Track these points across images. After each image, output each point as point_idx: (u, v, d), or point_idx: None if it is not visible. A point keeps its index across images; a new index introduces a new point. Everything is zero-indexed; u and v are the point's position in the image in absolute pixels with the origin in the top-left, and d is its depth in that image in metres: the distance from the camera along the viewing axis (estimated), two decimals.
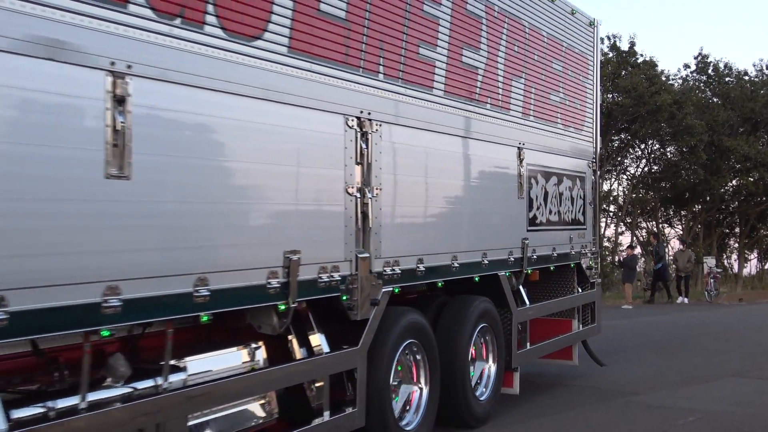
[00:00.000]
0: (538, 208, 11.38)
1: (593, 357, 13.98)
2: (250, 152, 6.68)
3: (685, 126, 40.87)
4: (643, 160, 46.63)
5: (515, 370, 10.86)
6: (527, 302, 11.37)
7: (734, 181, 45.86)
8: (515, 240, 10.79)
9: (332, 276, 7.52)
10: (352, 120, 7.82)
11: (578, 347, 13.55)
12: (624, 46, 44.10)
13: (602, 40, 45.83)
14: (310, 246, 7.28)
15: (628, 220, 47.29)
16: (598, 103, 13.59)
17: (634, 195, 45.65)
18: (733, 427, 10.12)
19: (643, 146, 45.59)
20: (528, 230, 11.11)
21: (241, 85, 6.55)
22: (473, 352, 9.99)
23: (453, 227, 9.47)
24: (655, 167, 46.11)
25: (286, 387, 7.30)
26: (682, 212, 48.52)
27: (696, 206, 47.02)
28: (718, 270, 37.08)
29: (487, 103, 10.16)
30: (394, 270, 8.36)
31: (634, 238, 46.74)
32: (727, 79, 45.97)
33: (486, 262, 10.01)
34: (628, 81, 41.60)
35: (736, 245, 49.64)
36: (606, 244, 43.10)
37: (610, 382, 13.12)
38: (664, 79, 43.86)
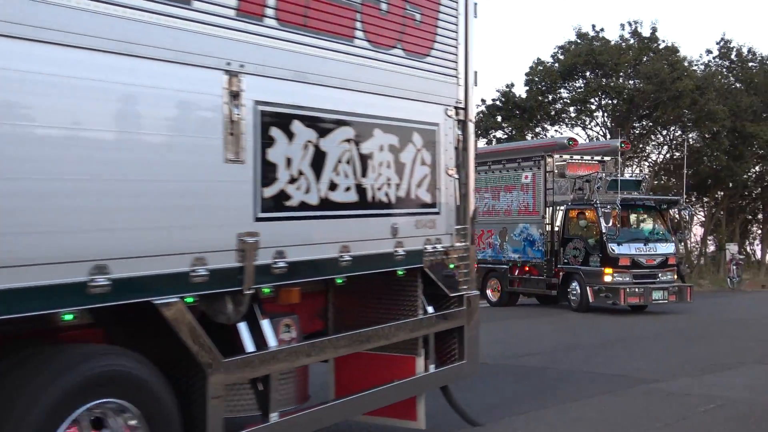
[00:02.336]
0: (292, 181, 5.56)
1: (461, 413, 7.92)
2: None
3: (707, 112, 35.64)
4: (665, 147, 40.21)
5: None
6: (272, 342, 5.57)
7: (757, 167, 40.01)
8: (221, 236, 5.03)
9: None
10: None
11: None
12: (645, 32, 38.37)
13: (622, 26, 39.81)
14: None
15: None
16: (471, 15, 7.52)
17: (656, 182, 39.32)
18: (754, 415, 8.92)
19: (665, 133, 39.40)
20: (260, 218, 5.32)
21: None
22: None
23: None
24: (677, 154, 39.71)
25: None
26: (705, 199, 41.78)
27: (718, 193, 40.50)
28: (741, 257, 33.30)
29: None
30: None
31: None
32: (750, 64, 39.75)
33: (102, 284, 4.26)
34: (650, 67, 36.46)
35: (759, 231, 43.16)
36: None
37: (631, 369, 11.74)
38: (686, 64, 38.39)
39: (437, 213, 7.09)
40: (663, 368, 11.81)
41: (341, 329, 6.67)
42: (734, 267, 30.72)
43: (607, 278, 19.53)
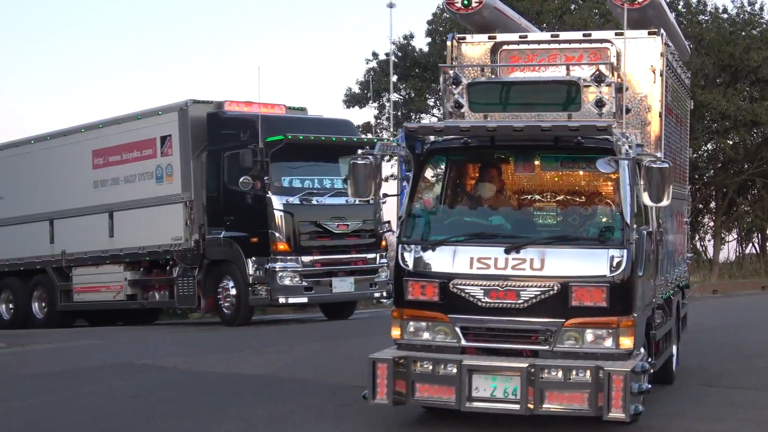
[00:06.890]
0: None
1: None
2: None
3: None
4: None
5: None
6: None
7: (709, 145, 34.39)
8: None
9: None
10: None
11: None
12: None
13: None
14: None
15: None
16: None
17: None
18: None
19: None
20: None
21: None
22: None
23: None
24: None
25: None
26: None
27: None
28: (690, 255, 26.11)
29: None
30: None
31: None
32: (701, 17, 34.16)
33: None
34: (578, 16, 32.04)
35: (711, 224, 37.58)
36: None
37: None
38: None
39: None
40: None
41: None
42: None
43: (395, 332, 8.56)
